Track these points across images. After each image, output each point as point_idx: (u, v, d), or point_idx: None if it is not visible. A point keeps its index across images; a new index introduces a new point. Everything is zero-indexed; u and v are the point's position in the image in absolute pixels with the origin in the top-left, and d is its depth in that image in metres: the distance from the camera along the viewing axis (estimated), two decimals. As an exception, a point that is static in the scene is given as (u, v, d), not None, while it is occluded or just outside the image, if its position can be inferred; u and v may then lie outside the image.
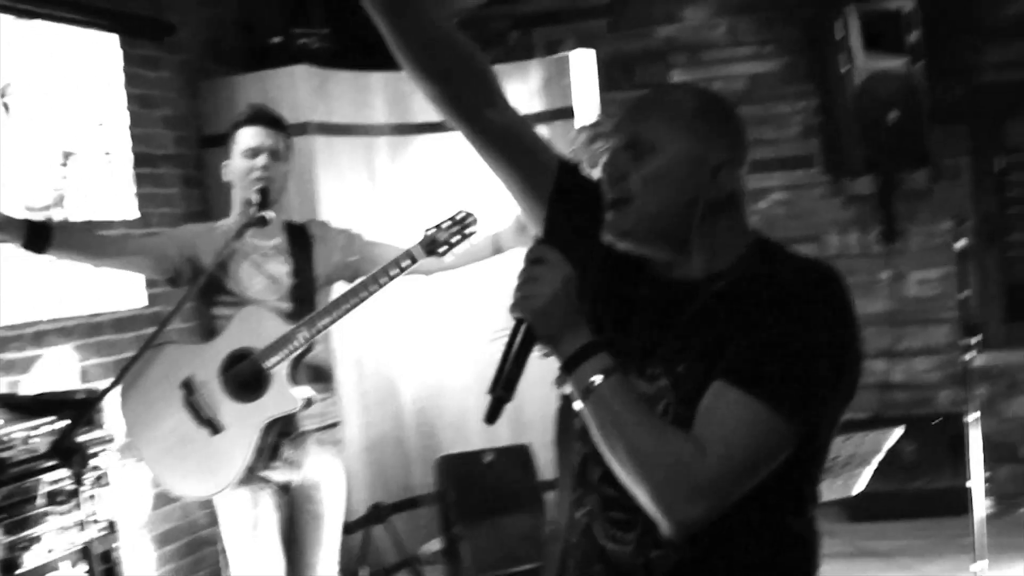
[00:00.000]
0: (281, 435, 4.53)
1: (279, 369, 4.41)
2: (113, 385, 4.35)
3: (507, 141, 2.60)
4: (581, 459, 2.40)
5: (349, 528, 4.82)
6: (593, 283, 2.38)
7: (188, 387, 4.50)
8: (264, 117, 4.66)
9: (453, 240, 4.47)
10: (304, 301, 4.60)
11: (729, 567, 2.27)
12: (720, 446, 2.12)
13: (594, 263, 2.40)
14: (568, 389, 2.24)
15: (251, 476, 4.46)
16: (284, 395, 4.42)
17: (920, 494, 7.14)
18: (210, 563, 6.78)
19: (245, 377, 4.45)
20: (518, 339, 2.22)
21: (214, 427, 4.47)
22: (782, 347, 2.17)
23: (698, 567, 2.25)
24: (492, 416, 2.21)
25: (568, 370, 2.20)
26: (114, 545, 4.68)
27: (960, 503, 6.83)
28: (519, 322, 2.23)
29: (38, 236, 4.35)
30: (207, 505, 6.34)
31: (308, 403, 4.49)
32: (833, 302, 2.27)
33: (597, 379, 2.17)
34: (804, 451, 2.23)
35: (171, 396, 4.52)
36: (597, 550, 2.36)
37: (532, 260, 2.24)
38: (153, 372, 4.54)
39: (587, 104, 7.16)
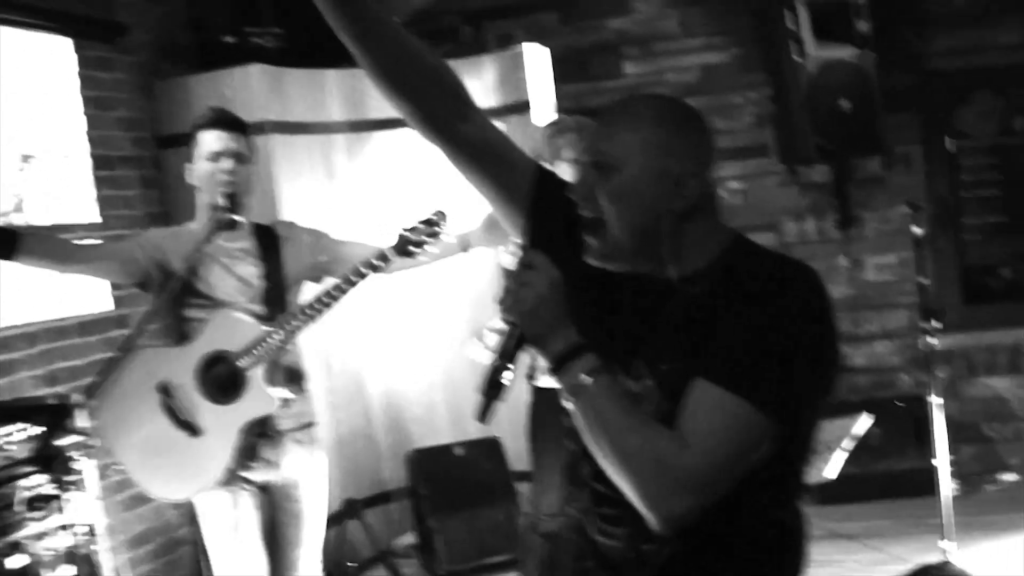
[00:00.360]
0: (259, 436, 4.51)
1: (256, 371, 4.39)
2: (89, 391, 4.31)
3: (483, 153, 2.65)
4: (572, 457, 2.45)
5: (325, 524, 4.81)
6: (575, 284, 2.38)
7: (165, 391, 4.48)
8: (226, 120, 4.62)
9: (425, 240, 4.47)
10: (275, 303, 4.58)
11: (718, 559, 2.32)
12: (703, 442, 2.16)
13: (575, 265, 2.41)
14: (544, 384, 2.29)
15: (231, 477, 4.44)
16: (262, 396, 4.41)
17: (885, 476, 7.22)
18: (185, 564, 6.75)
19: (222, 380, 4.43)
20: (510, 341, 2.27)
21: (193, 430, 4.44)
22: (760, 343, 2.20)
23: (688, 560, 2.29)
24: (483, 415, 2.26)
25: (557, 370, 2.24)
26: (94, 548, 4.65)
27: (925, 484, 6.91)
28: (511, 325, 2.27)
29: (5, 242, 4.29)
30: (180, 505, 6.33)
31: (285, 403, 4.48)
32: (809, 298, 2.30)
33: (585, 379, 2.22)
34: (786, 445, 2.26)
35: (148, 400, 4.49)
36: (590, 545, 2.41)
37: (522, 265, 2.29)
38: (128, 377, 4.50)
39: (542, 98, 7.18)
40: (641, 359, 2.33)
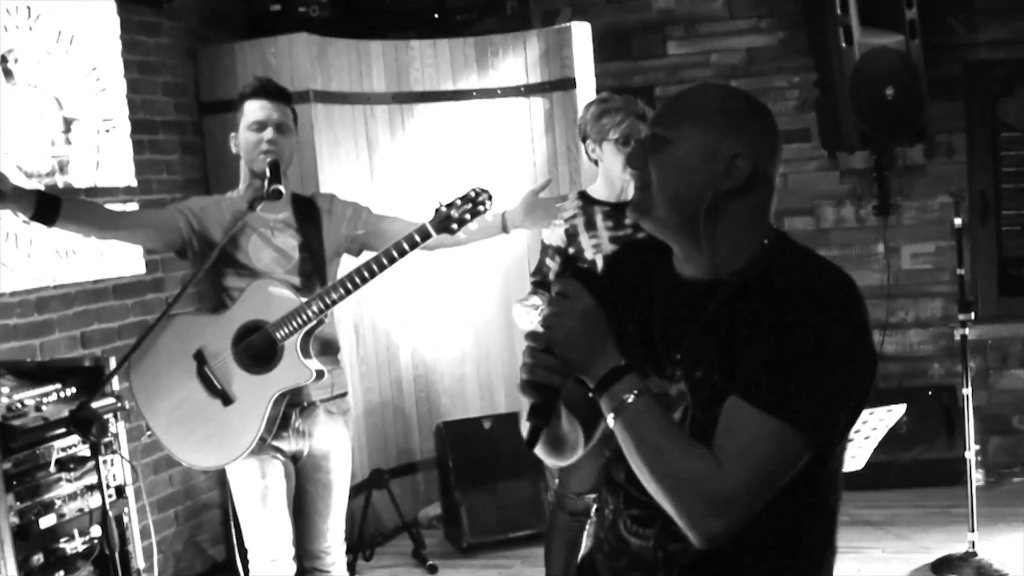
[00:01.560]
0: (291, 406, 4.55)
1: (291, 341, 4.43)
2: (126, 359, 4.34)
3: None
4: (606, 461, 2.53)
5: (350, 493, 4.84)
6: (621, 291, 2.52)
7: (200, 358, 4.50)
8: (270, 90, 4.63)
9: (466, 217, 4.44)
10: (312, 275, 4.61)
11: (745, 555, 2.33)
12: (739, 462, 2.20)
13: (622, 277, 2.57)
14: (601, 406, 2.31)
15: (262, 446, 4.48)
16: (296, 367, 4.44)
17: (913, 464, 7.23)
18: (210, 527, 6.83)
19: (257, 349, 4.45)
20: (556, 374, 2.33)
21: (226, 398, 4.47)
22: (797, 361, 2.22)
23: (715, 557, 2.30)
24: (532, 441, 2.35)
25: (599, 392, 2.29)
26: (124, 510, 4.72)
27: (953, 474, 6.94)
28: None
29: (47, 208, 4.34)
30: (208, 471, 6.40)
31: (320, 375, 4.50)
32: (849, 313, 2.29)
33: (628, 399, 2.26)
34: (819, 450, 2.29)
35: (183, 367, 4.52)
36: (623, 545, 2.46)
37: (556, 294, 2.34)
38: (164, 343, 4.54)
39: (586, 76, 7.19)
40: (679, 362, 2.38)
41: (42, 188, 4.55)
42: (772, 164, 2.42)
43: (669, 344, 2.41)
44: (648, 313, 2.48)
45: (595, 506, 2.64)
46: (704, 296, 2.38)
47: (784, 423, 2.18)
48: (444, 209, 4.41)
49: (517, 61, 7.21)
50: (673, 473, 2.21)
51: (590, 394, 2.31)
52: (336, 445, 4.68)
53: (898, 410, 3.95)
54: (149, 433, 4.63)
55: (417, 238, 4.40)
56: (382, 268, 4.40)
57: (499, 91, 7.22)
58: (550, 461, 2.60)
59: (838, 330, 2.25)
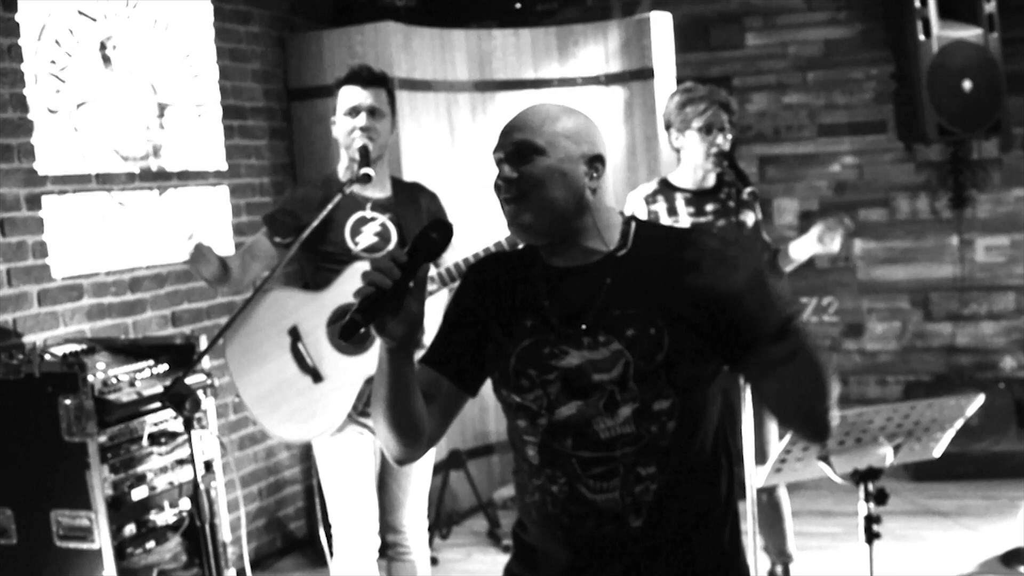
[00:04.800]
0: None
1: None
2: (218, 336, 4.42)
3: (448, 413, 2.82)
4: (540, 442, 2.66)
5: (429, 473, 4.94)
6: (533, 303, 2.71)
7: (295, 335, 4.61)
8: (363, 76, 4.70)
9: None
10: None
11: (692, 489, 2.65)
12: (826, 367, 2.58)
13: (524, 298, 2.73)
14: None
15: (349, 422, 4.59)
16: None
17: (983, 456, 7.25)
18: (293, 502, 7.00)
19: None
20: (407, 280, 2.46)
21: (317, 375, 4.58)
22: (767, 289, 2.50)
23: (671, 492, 2.61)
24: (345, 334, 2.43)
25: (786, 333, 2.48)
26: (212, 484, 4.86)
27: (1021, 466, 6.98)
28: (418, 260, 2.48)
29: (225, 271, 4.57)
30: (292, 447, 6.56)
31: None
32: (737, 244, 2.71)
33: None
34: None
35: (277, 341, 4.63)
36: (588, 507, 2.63)
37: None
38: (261, 315, 4.65)
39: (665, 66, 7.27)
40: (594, 331, 2.61)
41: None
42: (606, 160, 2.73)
43: (571, 322, 2.63)
44: (536, 306, 2.69)
45: (531, 499, 2.73)
46: (594, 274, 2.66)
47: (794, 328, 2.49)
48: None
49: (597, 50, 7.30)
50: (829, 381, 2.54)
51: (769, 343, 2.48)
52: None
53: (977, 400, 4.01)
54: (236, 398, 4.72)
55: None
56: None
57: (579, 80, 7.31)
58: (393, 447, 2.70)
59: (746, 255, 2.53)
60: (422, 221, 4.69)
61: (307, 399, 4.57)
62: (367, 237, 4.65)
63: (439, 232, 2.52)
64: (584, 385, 2.59)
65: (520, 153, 2.62)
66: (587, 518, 2.62)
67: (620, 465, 2.58)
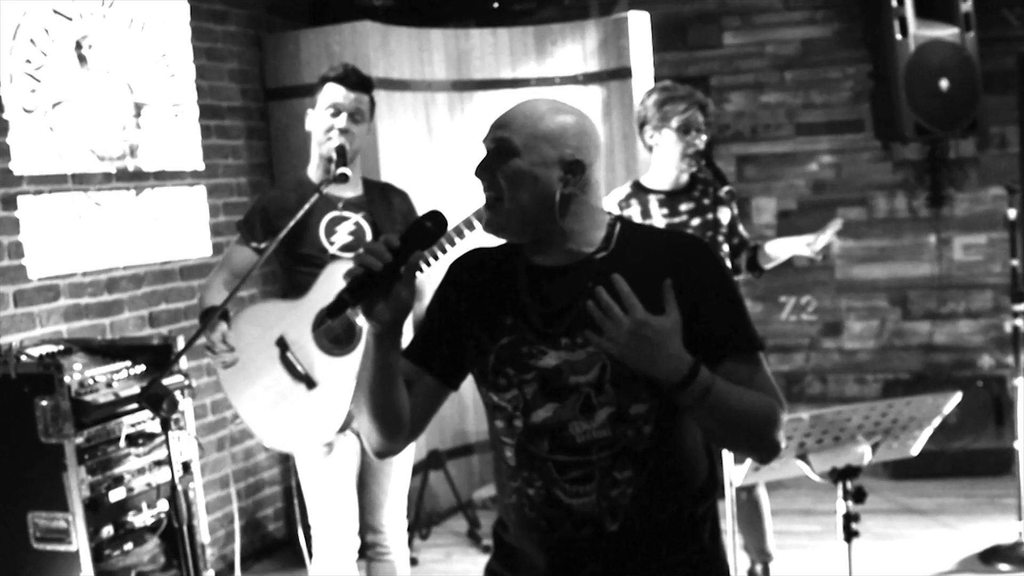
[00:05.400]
0: None
1: None
2: (195, 337, 4.40)
3: (429, 408, 2.81)
4: (516, 444, 2.66)
5: (407, 474, 4.93)
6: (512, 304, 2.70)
7: (282, 345, 4.59)
8: (352, 79, 4.69)
9: None
10: None
11: (669, 492, 2.66)
12: (773, 391, 2.62)
13: (505, 295, 2.72)
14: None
15: (346, 426, 4.59)
16: None
17: (962, 454, 7.29)
18: (272, 503, 6.99)
19: (337, 332, 4.55)
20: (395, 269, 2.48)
21: (310, 382, 4.56)
22: (735, 304, 2.66)
23: (647, 495, 2.62)
24: (333, 311, 2.46)
25: (683, 387, 2.45)
26: (190, 485, 4.85)
27: (1001, 464, 7.01)
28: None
29: (225, 319, 4.53)
30: (270, 448, 6.54)
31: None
32: (719, 257, 2.78)
33: (713, 382, 2.48)
34: None
35: (266, 354, 4.60)
36: (563, 510, 2.63)
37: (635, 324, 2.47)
38: (244, 332, 4.61)
39: (643, 65, 7.27)
40: (577, 330, 2.59)
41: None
42: (599, 164, 2.70)
43: (550, 322, 2.63)
44: (516, 303, 2.68)
45: (509, 500, 2.74)
46: (575, 275, 2.64)
47: (760, 352, 2.64)
48: None
49: (575, 50, 7.30)
50: (761, 417, 2.57)
51: (674, 390, 2.46)
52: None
53: (954, 398, 4.03)
54: (238, 420, 4.70)
55: (474, 222, 4.48)
56: (451, 244, 4.48)
57: (557, 79, 7.31)
58: (374, 438, 2.70)
59: (725, 268, 2.72)
60: (395, 219, 4.72)
61: (305, 407, 4.55)
62: (342, 236, 4.63)
63: (433, 221, 2.53)
64: (560, 387, 2.59)
65: (498, 151, 2.61)
66: (563, 521, 2.62)
67: (596, 469, 2.59)
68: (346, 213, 4.66)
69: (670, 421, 2.62)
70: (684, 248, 2.70)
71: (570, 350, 2.59)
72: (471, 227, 4.51)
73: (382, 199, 4.77)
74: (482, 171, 2.63)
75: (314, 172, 4.72)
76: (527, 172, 2.59)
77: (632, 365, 2.43)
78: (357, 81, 4.66)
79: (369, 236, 4.65)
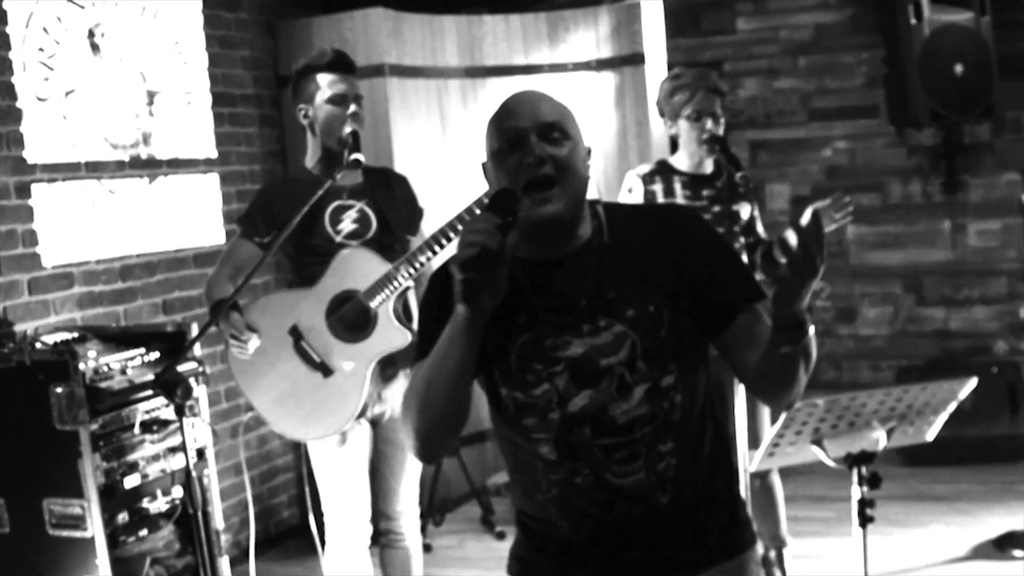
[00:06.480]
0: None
1: (385, 307, 4.49)
2: (208, 324, 4.39)
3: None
4: (556, 437, 2.64)
5: (422, 461, 4.90)
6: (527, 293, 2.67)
7: (296, 334, 4.57)
8: (347, 64, 4.68)
9: None
10: (392, 240, 4.64)
11: (704, 457, 2.72)
12: None
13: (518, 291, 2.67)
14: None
15: (364, 412, 4.58)
16: (392, 331, 4.49)
17: (977, 440, 7.24)
18: (286, 490, 6.99)
19: (351, 319, 4.52)
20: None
21: (326, 370, 4.54)
22: (737, 260, 2.76)
23: (688, 463, 2.67)
24: (471, 293, 2.41)
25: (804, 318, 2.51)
26: (205, 472, 4.86)
27: (1016, 450, 7.00)
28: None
29: (236, 311, 4.52)
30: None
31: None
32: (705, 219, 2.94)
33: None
34: None
35: (280, 344, 4.58)
36: (615, 492, 2.63)
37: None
38: (257, 323, 4.58)
39: (655, 51, 7.25)
40: (593, 316, 2.61)
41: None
42: None
43: (565, 312, 2.62)
44: (523, 301, 2.64)
45: (546, 495, 2.70)
46: (577, 261, 2.64)
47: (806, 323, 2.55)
48: None
49: (588, 36, 7.29)
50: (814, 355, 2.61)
51: (798, 318, 2.49)
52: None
53: (969, 384, 4.01)
54: (252, 412, 4.70)
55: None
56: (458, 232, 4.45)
57: (570, 66, 7.30)
58: (435, 436, 2.63)
59: (715, 228, 2.84)
60: (397, 205, 4.71)
61: (322, 395, 4.54)
62: (347, 225, 4.60)
63: (512, 197, 2.50)
64: (592, 372, 2.58)
65: (550, 133, 2.59)
66: (615, 503, 2.62)
67: (641, 446, 2.60)
68: (350, 201, 4.63)
69: (693, 390, 2.66)
70: (675, 219, 2.78)
71: (593, 335, 2.59)
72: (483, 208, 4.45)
73: (383, 185, 4.74)
74: (543, 152, 2.57)
75: (314, 163, 4.69)
76: (577, 157, 2.61)
77: (802, 296, 2.45)
78: (352, 66, 4.65)
79: (374, 223, 4.63)
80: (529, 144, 2.57)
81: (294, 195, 4.51)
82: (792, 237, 2.39)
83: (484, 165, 2.75)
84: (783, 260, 4.86)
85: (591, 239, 2.67)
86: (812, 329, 2.52)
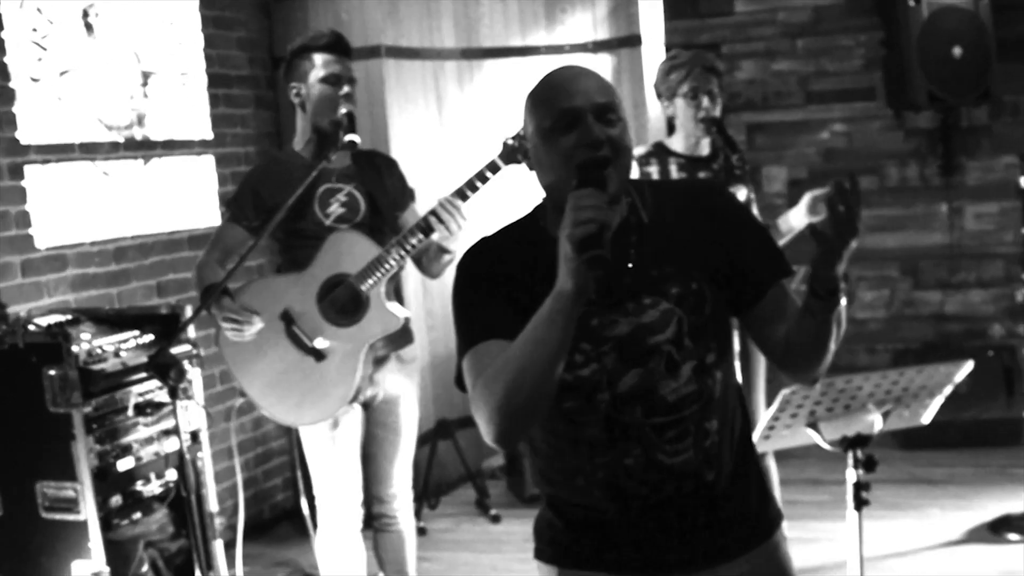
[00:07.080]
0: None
1: (376, 290, 4.47)
2: (201, 308, 4.39)
3: None
4: (605, 418, 2.60)
5: (416, 443, 4.89)
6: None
7: (287, 318, 4.54)
8: (344, 45, 4.65)
9: None
10: (382, 223, 4.64)
11: (739, 430, 2.75)
12: None
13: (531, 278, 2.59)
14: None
15: (357, 396, 4.56)
16: (384, 315, 4.49)
17: (973, 424, 7.24)
18: (281, 472, 6.99)
19: (343, 302, 4.50)
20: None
21: (318, 354, 4.51)
22: (767, 234, 2.77)
23: (728, 440, 2.68)
24: (600, 263, 2.30)
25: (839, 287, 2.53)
26: (199, 454, 4.84)
27: (1011, 434, 7.00)
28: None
29: (226, 294, 4.48)
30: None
31: (408, 320, 4.55)
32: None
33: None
34: None
35: (272, 329, 4.55)
36: (666, 473, 2.61)
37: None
38: (251, 307, 4.54)
39: (653, 33, 7.23)
40: (643, 293, 2.59)
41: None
42: None
43: (607, 291, 2.56)
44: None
45: (590, 479, 2.65)
46: (616, 240, 2.46)
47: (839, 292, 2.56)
48: (511, 141, 4.32)
49: (585, 18, 7.27)
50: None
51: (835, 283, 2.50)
52: (405, 391, 4.71)
53: (965, 367, 4.01)
54: (244, 398, 4.68)
55: (488, 173, 4.38)
56: (474, 190, 4.42)
57: (567, 47, 7.28)
58: (523, 418, 2.49)
59: (742, 203, 2.85)
60: (385, 187, 4.69)
61: (315, 379, 4.52)
62: (336, 208, 4.58)
63: (601, 169, 2.45)
64: (641, 351, 2.56)
65: (607, 114, 2.54)
66: (666, 483, 2.60)
67: (690, 424, 2.60)
68: (339, 184, 4.60)
69: (729, 365, 2.69)
70: (708, 194, 2.84)
71: (638, 314, 2.57)
72: (495, 170, 4.41)
73: (371, 167, 4.71)
74: (604, 133, 2.51)
75: (303, 145, 4.66)
76: (627, 136, 2.57)
77: (842, 257, 2.46)
78: (347, 48, 4.63)
79: (363, 206, 4.61)
80: (587, 124, 2.52)
81: (283, 178, 4.51)
82: (833, 197, 2.41)
83: (519, 137, 2.72)
84: (779, 244, 4.88)
85: (628, 217, 2.64)
86: (844, 299, 2.52)
